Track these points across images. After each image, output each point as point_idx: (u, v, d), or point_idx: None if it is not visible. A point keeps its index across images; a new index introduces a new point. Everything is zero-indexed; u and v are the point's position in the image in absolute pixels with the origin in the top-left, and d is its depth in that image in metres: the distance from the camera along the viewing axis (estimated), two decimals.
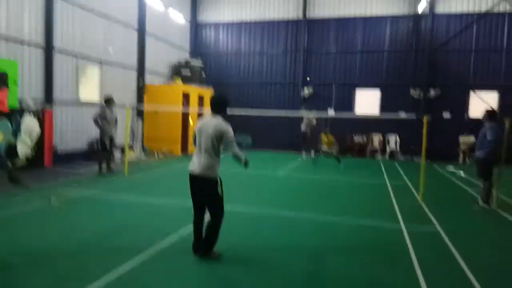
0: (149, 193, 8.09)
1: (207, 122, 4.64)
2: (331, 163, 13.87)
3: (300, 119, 16.29)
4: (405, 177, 11.51)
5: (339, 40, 18.20)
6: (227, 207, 4.68)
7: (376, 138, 17.29)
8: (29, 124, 10.51)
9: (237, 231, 5.65)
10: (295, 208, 7.27)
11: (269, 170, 12.20)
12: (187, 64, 17.70)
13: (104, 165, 10.32)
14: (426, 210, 7.40)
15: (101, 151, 10.47)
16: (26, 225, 5.63)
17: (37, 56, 10.88)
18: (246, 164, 4.61)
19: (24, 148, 10.20)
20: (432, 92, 16.73)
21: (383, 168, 13.55)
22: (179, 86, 15.90)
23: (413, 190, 9.36)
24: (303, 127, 15.59)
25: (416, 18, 17.19)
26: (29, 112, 10.16)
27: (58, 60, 11.52)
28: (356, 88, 17.99)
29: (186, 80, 16.99)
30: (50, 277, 3.98)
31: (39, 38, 10.90)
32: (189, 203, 4.72)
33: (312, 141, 15.46)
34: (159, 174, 11.08)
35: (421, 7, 16.60)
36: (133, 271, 4.17)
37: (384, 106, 17.40)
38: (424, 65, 16.99)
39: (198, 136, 4.61)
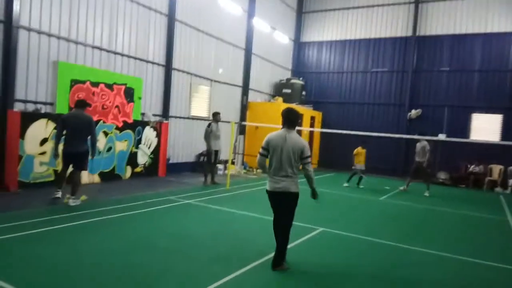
0: (250, 208, 8.22)
1: (288, 136, 4.64)
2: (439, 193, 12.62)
3: (409, 144, 15.09)
4: None
5: (453, 59, 16.67)
6: None
7: (496, 169, 15.31)
8: (149, 136, 11.68)
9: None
10: (399, 238, 6.72)
11: (370, 195, 11.61)
12: (288, 83, 17.98)
13: (209, 178, 10.88)
14: None
15: (207, 164, 11.07)
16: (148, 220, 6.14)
17: (159, 74, 12.02)
18: (315, 196, 4.80)
19: (143, 156, 11.28)
20: None
21: (504, 203, 11.94)
22: (280, 104, 16.17)
23: None
24: (418, 157, 12.46)
25: None
26: (149, 125, 11.28)
27: (175, 78, 12.60)
28: (473, 113, 16.20)
29: (286, 98, 17.24)
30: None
31: (161, 58, 12.05)
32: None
33: (427, 173, 12.96)
34: (259, 190, 11.21)
35: None
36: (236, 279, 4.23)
37: (506, 134, 15.31)
38: None
39: (279, 151, 4.62)
